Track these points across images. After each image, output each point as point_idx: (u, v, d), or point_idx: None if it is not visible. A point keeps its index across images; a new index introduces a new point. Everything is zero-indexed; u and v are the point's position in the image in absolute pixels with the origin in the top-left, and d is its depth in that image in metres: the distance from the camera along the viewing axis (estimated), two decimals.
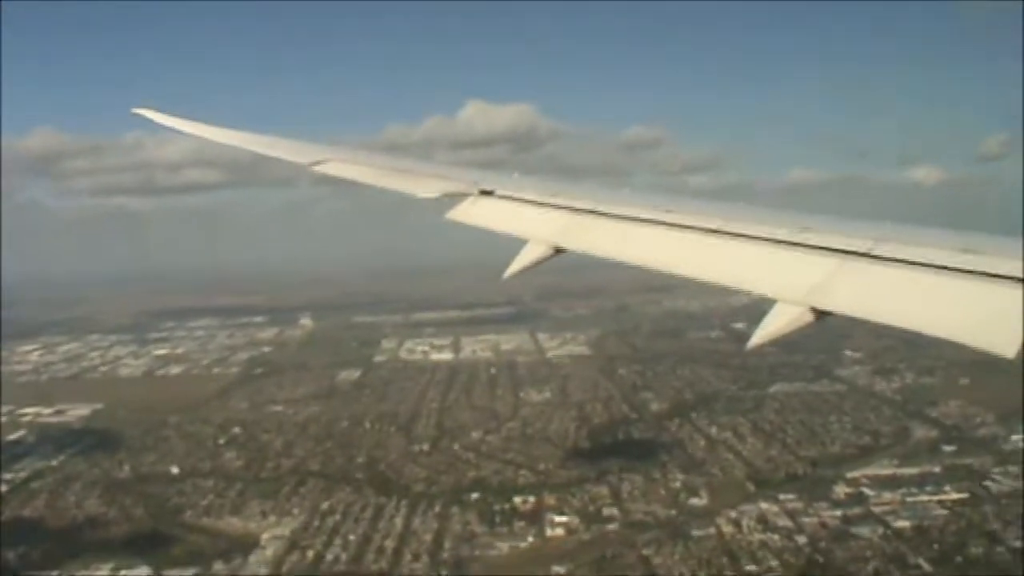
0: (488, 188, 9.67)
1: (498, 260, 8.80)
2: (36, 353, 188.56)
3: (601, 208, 8.42)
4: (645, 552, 75.73)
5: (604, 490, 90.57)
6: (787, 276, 6.12)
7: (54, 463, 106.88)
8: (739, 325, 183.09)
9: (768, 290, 6.09)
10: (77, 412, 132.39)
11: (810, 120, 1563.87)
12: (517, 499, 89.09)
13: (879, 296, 5.60)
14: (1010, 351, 4.58)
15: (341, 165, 11.66)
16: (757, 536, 77.85)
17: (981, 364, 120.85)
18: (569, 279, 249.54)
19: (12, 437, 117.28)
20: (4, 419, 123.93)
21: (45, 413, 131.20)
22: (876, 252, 5.91)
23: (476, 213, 9.39)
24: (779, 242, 6.57)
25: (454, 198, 9.71)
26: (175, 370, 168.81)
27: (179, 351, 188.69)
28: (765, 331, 5.79)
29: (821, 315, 5.72)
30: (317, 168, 11.73)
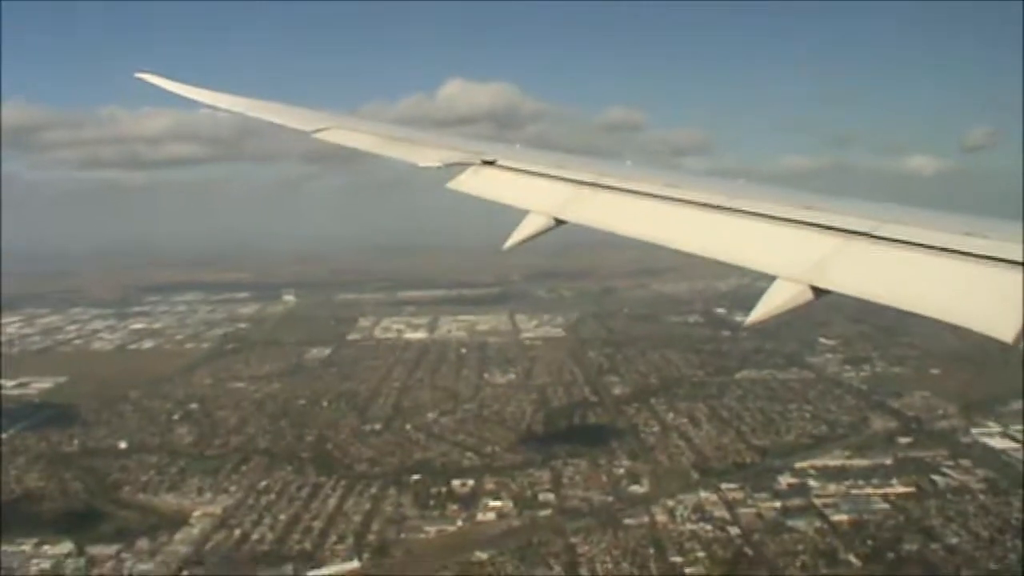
0: (490, 158, 9.43)
1: (492, 239, 8.81)
2: (15, 326, 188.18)
3: (603, 181, 8.29)
4: (573, 540, 74.23)
5: (546, 475, 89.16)
6: (788, 254, 6.07)
7: (4, 436, 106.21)
8: (720, 310, 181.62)
9: (768, 267, 6.05)
10: (40, 385, 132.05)
11: (788, 107, 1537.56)
12: (456, 482, 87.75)
13: (879, 276, 5.54)
14: (1008, 335, 4.55)
15: (343, 133, 11.57)
16: (689, 526, 76.24)
17: (954, 354, 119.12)
18: (560, 261, 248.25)
19: None
20: None
21: (8, 386, 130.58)
22: (878, 232, 5.86)
23: (477, 183, 9.18)
24: (781, 220, 6.52)
25: (456, 168, 9.47)
26: (148, 344, 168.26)
27: (156, 326, 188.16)
28: (764, 308, 5.76)
29: (820, 293, 5.69)
30: (319, 135, 11.53)
